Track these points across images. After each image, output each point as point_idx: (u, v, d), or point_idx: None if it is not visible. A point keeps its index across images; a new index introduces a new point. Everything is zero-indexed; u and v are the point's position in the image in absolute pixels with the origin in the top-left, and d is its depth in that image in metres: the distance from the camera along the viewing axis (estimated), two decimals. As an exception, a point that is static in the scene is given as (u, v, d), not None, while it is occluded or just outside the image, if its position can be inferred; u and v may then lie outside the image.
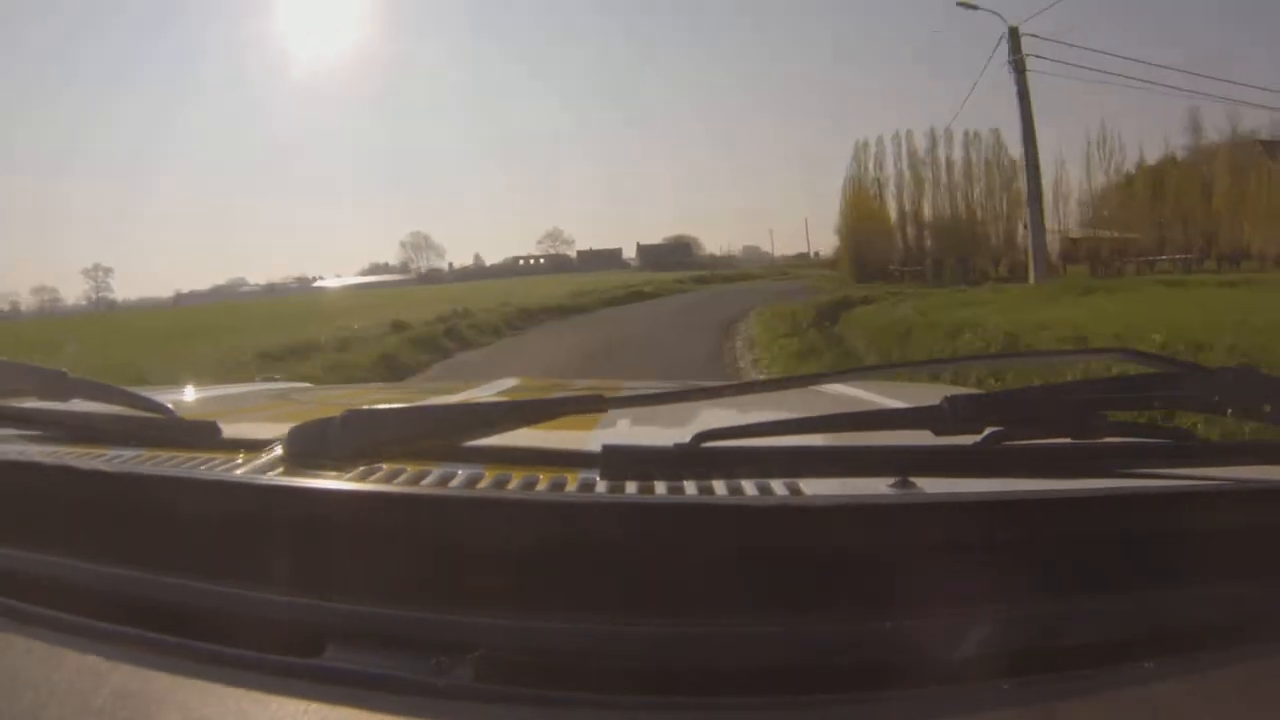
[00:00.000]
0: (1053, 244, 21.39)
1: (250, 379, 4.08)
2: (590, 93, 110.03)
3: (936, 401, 0.51)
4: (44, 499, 0.51)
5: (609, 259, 63.37)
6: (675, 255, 59.09)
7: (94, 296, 58.12)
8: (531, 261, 67.10)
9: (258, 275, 73.36)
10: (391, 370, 8.58)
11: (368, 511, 0.43)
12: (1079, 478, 0.49)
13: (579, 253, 67.67)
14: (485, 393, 1.15)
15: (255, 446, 0.61)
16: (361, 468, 0.55)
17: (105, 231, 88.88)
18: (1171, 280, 16.70)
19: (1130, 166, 24.70)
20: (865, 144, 27.72)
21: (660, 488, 0.51)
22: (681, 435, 0.51)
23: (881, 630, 0.38)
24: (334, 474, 0.52)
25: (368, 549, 0.42)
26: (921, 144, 26.41)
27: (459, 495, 0.50)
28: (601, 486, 0.52)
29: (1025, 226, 20.09)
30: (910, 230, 26.78)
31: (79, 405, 0.72)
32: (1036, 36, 17.25)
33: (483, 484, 0.54)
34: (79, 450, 0.64)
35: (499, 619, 0.39)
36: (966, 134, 25.54)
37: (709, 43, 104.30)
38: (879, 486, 0.49)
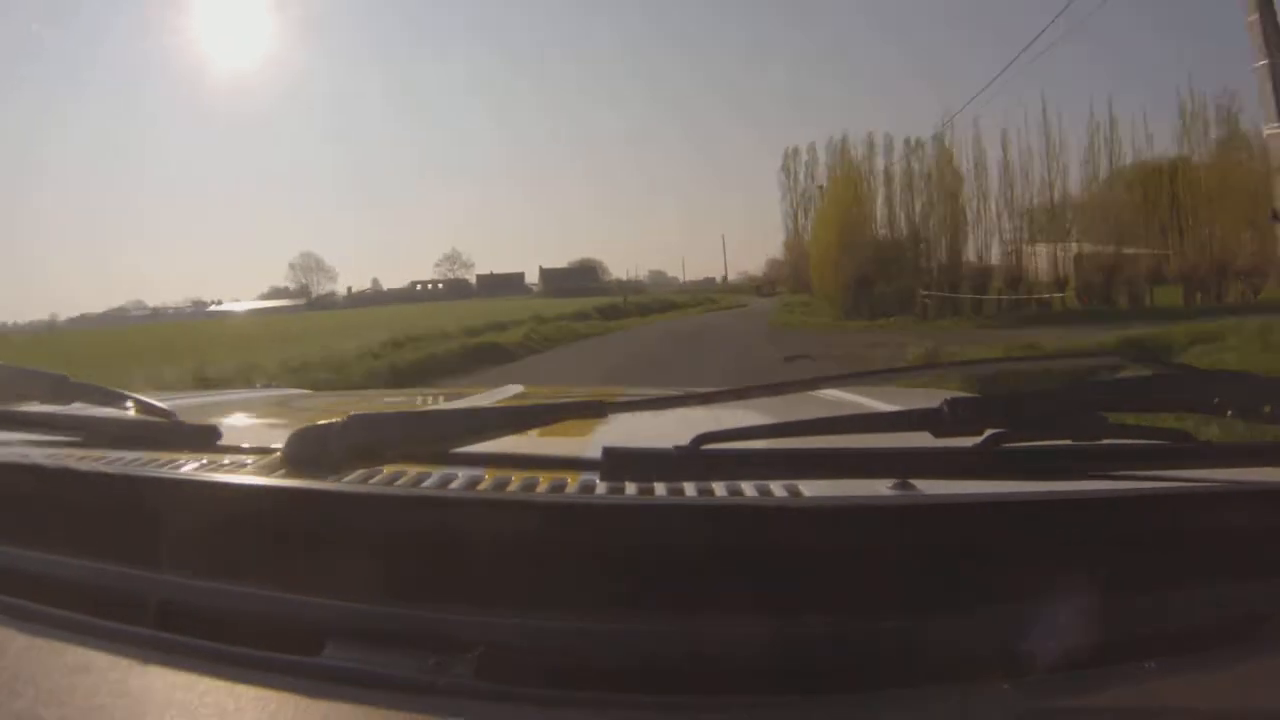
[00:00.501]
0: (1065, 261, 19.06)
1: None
2: (492, 109, 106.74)
3: (935, 405, 0.51)
4: (46, 500, 0.51)
5: (511, 284, 61.83)
6: (580, 280, 57.18)
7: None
8: (429, 286, 64.52)
9: (151, 297, 68.19)
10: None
11: (368, 511, 0.44)
12: (1078, 479, 0.49)
13: (479, 277, 65.50)
14: (487, 400, 1.15)
15: (256, 450, 0.62)
16: (362, 471, 0.55)
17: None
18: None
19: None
20: (795, 150, 25.35)
21: (661, 489, 0.51)
22: (682, 439, 0.51)
23: (881, 630, 0.38)
24: (334, 477, 0.52)
25: (368, 548, 0.42)
26: (858, 151, 21.93)
27: (459, 495, 0.50)
28: (602, 488, 0.52)
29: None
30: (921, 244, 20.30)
31: (81, 409, 0.73)
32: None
33: (483, 486, 0.54)
34: (81, 453, 0.64)
35: (499, 618, 0.39)
36: (908, 142, 21.39)
37: (613, 59, 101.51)
38: (878, 488, 0.49)
